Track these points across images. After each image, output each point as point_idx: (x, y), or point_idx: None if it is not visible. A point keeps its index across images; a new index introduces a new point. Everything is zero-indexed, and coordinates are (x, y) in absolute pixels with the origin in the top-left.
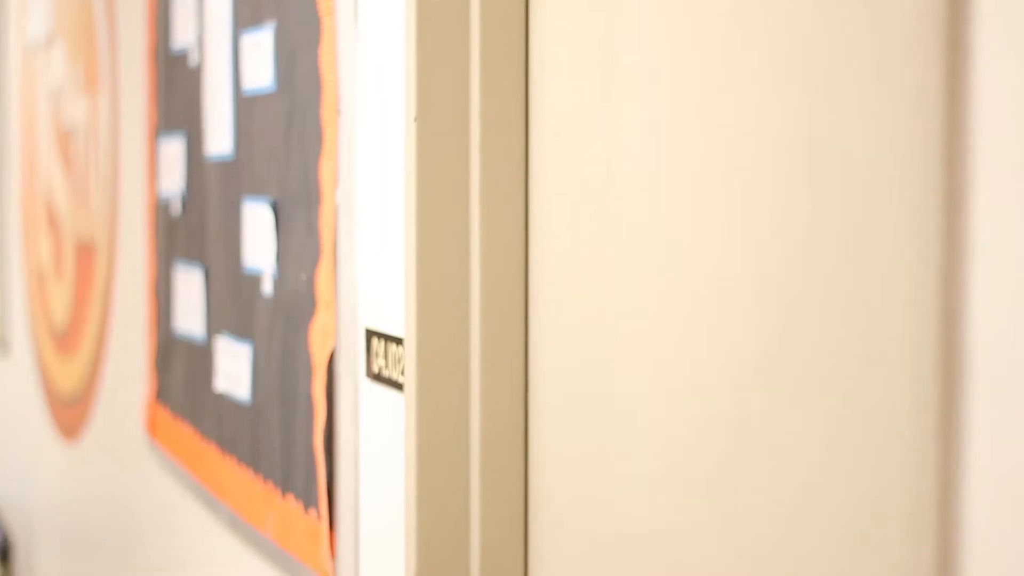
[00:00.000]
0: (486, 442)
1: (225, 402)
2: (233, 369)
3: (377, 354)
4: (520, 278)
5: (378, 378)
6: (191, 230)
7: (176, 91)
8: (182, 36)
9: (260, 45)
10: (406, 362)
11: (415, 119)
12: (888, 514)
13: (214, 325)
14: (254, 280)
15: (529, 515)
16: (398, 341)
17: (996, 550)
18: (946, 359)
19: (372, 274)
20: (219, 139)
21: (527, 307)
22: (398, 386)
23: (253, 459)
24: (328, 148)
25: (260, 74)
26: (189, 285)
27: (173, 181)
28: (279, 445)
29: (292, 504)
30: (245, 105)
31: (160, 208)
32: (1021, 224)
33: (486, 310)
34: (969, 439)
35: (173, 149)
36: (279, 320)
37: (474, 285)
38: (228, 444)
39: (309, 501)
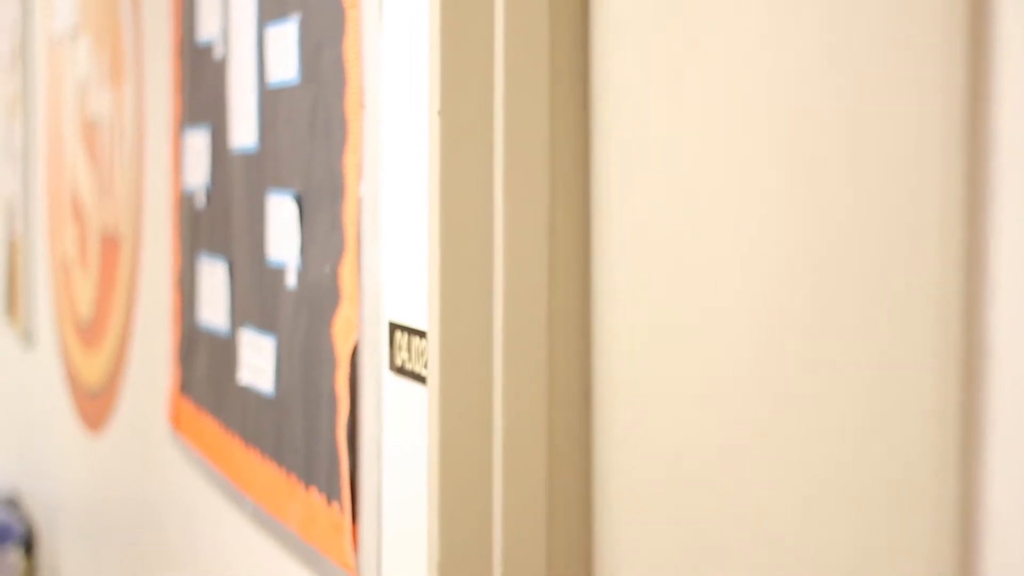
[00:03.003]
0: (509, 436)
1: (249, 395)
2: (257, 362)
3: (400, 347)
4: (544, 271)
5: (401, 371)
6: (215, 222)
7: (201, 83)
8: (207, 28)
9: (285, 37)
10: (429, 355)
11: (439, 112)
12: (910, 509)
13: (238, 318)
14: (278, 273)
15: (558, 509)
16: (422, 334)
17: (1018, 543)
18: (968, 352)
19: (396, 267)
20: (244, 132)
21: (551, 300)
22: (421, 379)
23: (277, 452)
24: (352, 141)
25: (285, 67)
26: (213, 277)
27: (198, 173)
28: (302, 438)
29: (315, 497)
30: (270, 98)
31: (185, 200)
32: None
33: (509, 304)
34: (991, 430)
35: (198, 141)
36: (303, 313)
37: (497, 279)
38: (252, 437)
39: (332, 494)
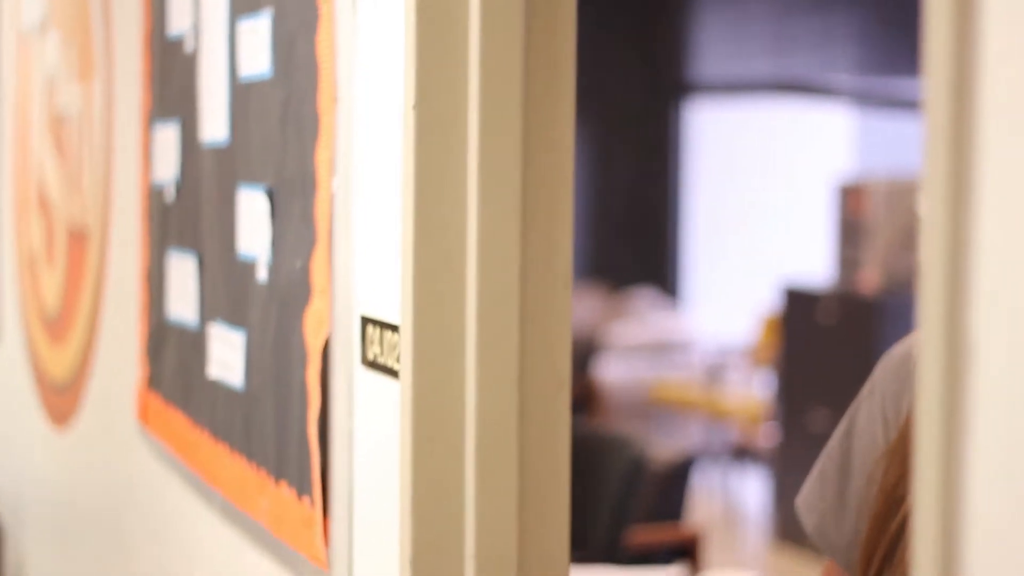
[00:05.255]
0: (481, 429)
1: (218, 389)
2: (227, 356)
3: (372, 341)
4: (516, 265)
5: (373, 365)
6: (185, 217)
7: (171, 77)
8: (178, 22)
9: (257, 31)
10: (402, 350)
11: (414, 106)
12: None
13: (207, 312)
14: (248, 267)
15: (528, 502)
16: (394, 328)
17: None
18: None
19: (368, 262)
20: (214, 125)
21: (524, 294)
22: (393, 373)
23: (246, 446)
24: (324, 136)
25: (257, 60)
26: (182, 272)
27: (167, 167)
28: (273, 432)
29: (286, 491)
30: (241, 92)
31: (154, 194)
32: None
33: (482, 298)
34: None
35: (167, 135)
36: (273, 307)
37: (470, 273)
38: (221, 431)
39: (303, 488)
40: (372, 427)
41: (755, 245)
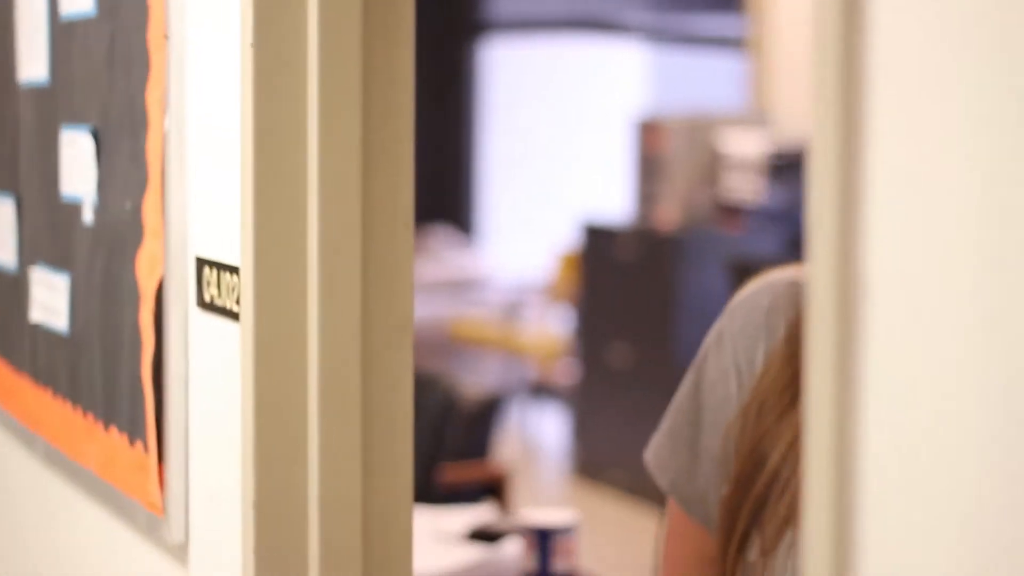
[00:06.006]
0: (324, 372)
1: (40, 333)
2: (50, 300)
3: (209, 283)
4: (357, 207)
5: (210, 307)
6: (1, 159)
7: None
8: None
9: None
10: (242, 292)
11: (252, 44)
12: None
13: (27, 255)
14: (73, 209)
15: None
16: (232, 270)
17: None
18: None
19: (203, 202)
20: (33, 66)
21: (366, 233)
22: (231, 315)
23: (72, 391)
24: (155, 74)
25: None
26: (0, 215)
27: None
28: (101, 377)
29: (116, 437)
30: (63, 31)
31: None
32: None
33: (324, 239)
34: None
35: None
36: (101, 249)
37: (312, 214)
38: (43, 376)
39: (135, 433)
40: (208, 370)
41: (553, 183)
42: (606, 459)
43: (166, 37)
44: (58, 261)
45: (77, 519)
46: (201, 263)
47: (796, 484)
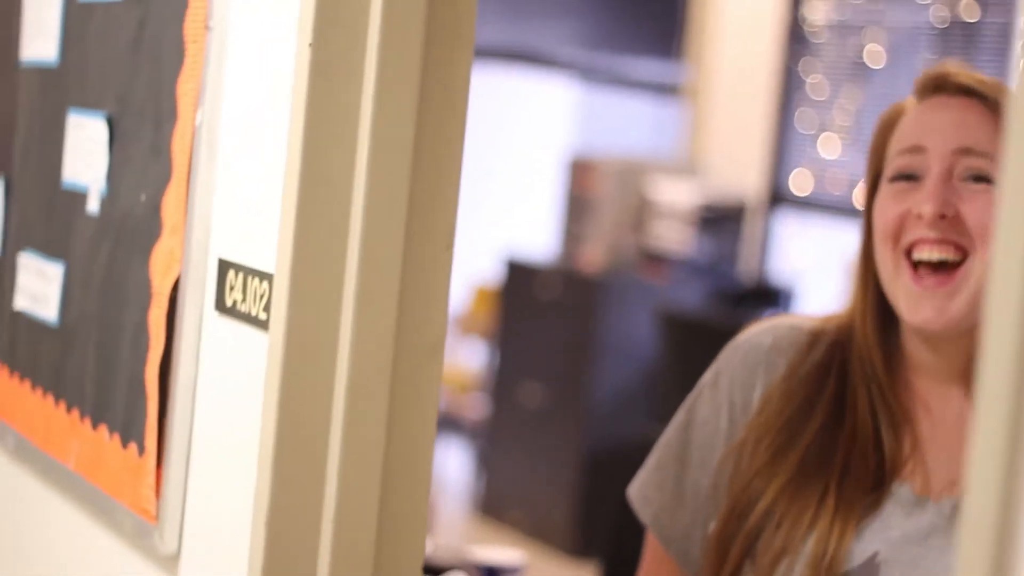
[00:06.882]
0: (351, 391)
1: (23, 322)
2: (39, 288)
3: (233, 287)
4: (402, 226)
5: (231, 312)
6: None
7: None
8: None
9: None
10: (275, 300)
11: (310, 44)
12: None
13: (15, 240)
14: (75, 197)
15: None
16: (262, 276)
17: None
18: None
19: (232, 203)
20: (40, 44)
21: (406, 251)
22: (255, 322)
23: (56, 385)
24: (190, 65)
25: None
26: None
27: None
28: (93, 373)
29: (105, 437)
30: (79, 12)
31: None
32: None
33: (365, 256)
34: None
35: None
36: (106, 241)
37: (355, 229)
38: (21, 367)
39: (129, 435)
40: (222, 376)
41: (475, 213)
42: (509, 499)
43: (208, 28)
44: (52, 249)
45: (49, 517)
46: (225, 265)
47: (792, 519)
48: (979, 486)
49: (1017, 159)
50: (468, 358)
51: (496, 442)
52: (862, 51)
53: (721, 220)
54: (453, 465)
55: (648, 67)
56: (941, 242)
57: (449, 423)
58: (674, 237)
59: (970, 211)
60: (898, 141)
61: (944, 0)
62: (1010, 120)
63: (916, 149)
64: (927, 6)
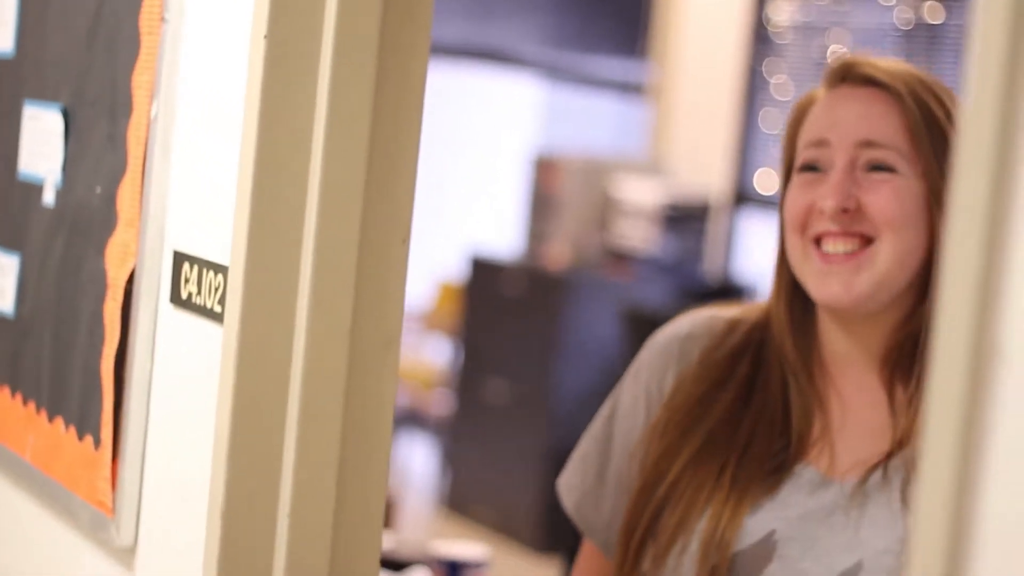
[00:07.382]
0: (307, 382)
1: None
2: None
3: (188, 280)
4: (357, 218)
5: (186, 305)
6: None
7: None
8: None
9: None
10: (230, 293)
11: (265, 36)
12: None
13: None
14: (30, 188)
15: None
16: (217, 268)
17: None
18: None
19: (187, 195)
20: None
21: (362, 244)
22: (210, 314)
23: (12, 378)
24: (145, 57)
25: None
26: None
27: None
28: (49, 366)
29: (62, 429)
30: (36, 1)
31: None
32: None
33: (321, 248)
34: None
35: None
36: (62, 233)
37: (310, 222)
38: None
39: (85, 427)
40: (177, 368)
41: (440, 210)
42: (474, 495)
43: (163, 20)
44: (7, 241)
45: (5, 510)
46: (180, 258)
47: (690, 494)
48: (933, 464)
49: (969, 156)
50: (433, 355)
51: (461, 438)
52: (826, 52)
53: (686, 219)
54: (418, 461)
55: (613, 66)
56: (845, 234)
57: (414, 419)
58: (639, 235)
59: (872, 201)
60: (806, 132)
61: (908, 2)
62: (964, 121)
63: (821, 143)
64: (891, 8)
